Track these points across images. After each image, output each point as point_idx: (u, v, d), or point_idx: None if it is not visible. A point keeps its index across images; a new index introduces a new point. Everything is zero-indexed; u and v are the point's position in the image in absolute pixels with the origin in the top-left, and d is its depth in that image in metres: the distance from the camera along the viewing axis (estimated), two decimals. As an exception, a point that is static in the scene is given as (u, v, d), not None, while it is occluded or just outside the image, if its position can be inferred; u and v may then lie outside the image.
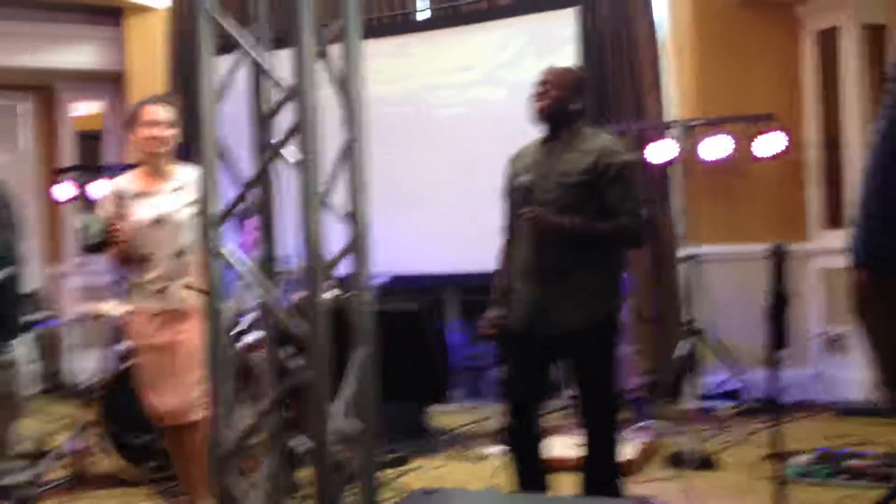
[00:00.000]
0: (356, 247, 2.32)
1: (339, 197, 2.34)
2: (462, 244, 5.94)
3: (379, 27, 7.07)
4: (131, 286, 3.69)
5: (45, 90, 8.31)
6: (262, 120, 2.40)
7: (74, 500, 4.26)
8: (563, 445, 4.05)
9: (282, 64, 2.21)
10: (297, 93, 2.08)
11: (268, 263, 2.34)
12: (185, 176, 3.54)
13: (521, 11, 6.51)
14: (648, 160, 5.81)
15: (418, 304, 7.07)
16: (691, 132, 5.86)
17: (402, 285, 6.93)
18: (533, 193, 3.22)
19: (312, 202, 2.07)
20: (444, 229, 6.58)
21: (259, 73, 2.31)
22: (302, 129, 2.08)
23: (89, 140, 8.37)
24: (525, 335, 3.25)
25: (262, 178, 2.34)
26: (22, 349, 4.16)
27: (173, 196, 3.56)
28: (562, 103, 3.27)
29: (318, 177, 2.11)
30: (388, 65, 6.79)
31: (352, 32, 2.33)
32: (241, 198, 2.29)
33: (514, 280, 3.31)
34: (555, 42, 6.19)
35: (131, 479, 4.45)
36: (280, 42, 2.23)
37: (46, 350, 7.63)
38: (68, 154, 8.20)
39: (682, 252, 5.97)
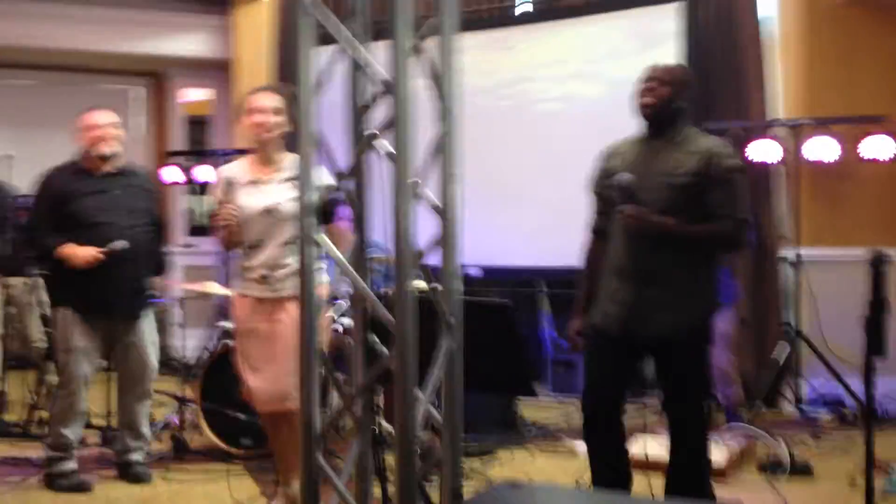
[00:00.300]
0: (445, 239, 2.36)
1: (432, 189, 2.38)
2: (556, 238, 5.93)
3: (479, 20, 7.10)
4: (238, 270, 3.77)
5: (156, 76, 8.65)
6: (359, 112, 2.45)
7: (172, 472, 4.43)
8: (651, 445, 4.02)
9: (380, 54, 2.25)
10: (391, 87, 2.12)
11: (359, 252, 2.40)
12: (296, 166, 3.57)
13: (621, 6, 6.44)
14: (752, 160, 5.68)
15: (509, 298, 7.16)
16: (797, 132, 5.70)
17: (495, 277, 6.99)
18: (633, 192, 3.17)
19: (403, 194, 2.11)
20: (537, 223, 6.58)
21: (356, 67, 2.36)
22: (395, 123, 2.12)
23: (197, 125, 8.68)
24: (615, 334, 3.23)
25: (356, 169, 2.40)
26: (150, 327, 4.37)
27: (283, 186, 3.57)
28: (668, 101, 3.22)
29: (410, 169, 2.15)
30: (487, 58, 6.81)
31: (448, 28, 2.36)
32: (335, 187, 2.35)
33: (608, 279, 3.29)
34: (656, 37, 6.11)
35: (228, 454, 4.61)
36: (379, 33, 2.28)
37: (158, 327, 7.96)
38: (177, 138, 8.51)
39: (783, 253, 5.84)
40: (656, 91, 3.22)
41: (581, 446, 4.24)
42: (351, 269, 2.26)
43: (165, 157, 7.54)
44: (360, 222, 2.38)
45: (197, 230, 8.42)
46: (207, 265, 8.06)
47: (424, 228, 2.33)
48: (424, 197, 2.38)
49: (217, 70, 8.47)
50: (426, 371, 2.28)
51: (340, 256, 2.26)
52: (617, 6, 6.48)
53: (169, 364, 7.47)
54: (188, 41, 8.16)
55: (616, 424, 3.31)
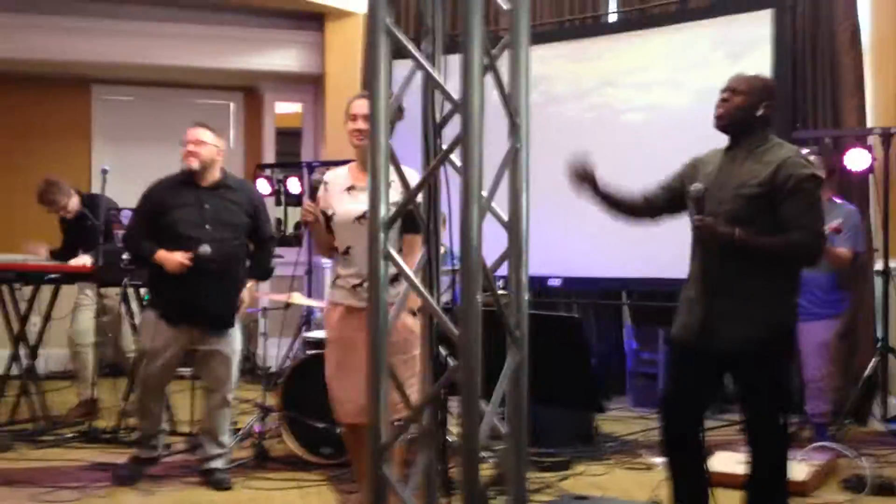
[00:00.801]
0: (513, 252, 2.37)
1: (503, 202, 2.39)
2: (639, 250, 5.87)
3: (567, 30, 7.10)
4: (333, 278, 3.76)
5: (250, 91, 8.90)
6: (434, 126, 2.48)
7: (254, 478, 4.53)
8: (730, 461, 3.93)
9: (455, 67, 2.28)
10: (460, 105, 2.15)
11: (430, 265, 2.42)
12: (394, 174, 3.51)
13: (709, 14, 6.35)
14: (846, 169, 5.52)
15: (591, 309, 7.11)
16: (888, 141, 5.52)
17: (577, 288, 6.96)
18: (705, 202, 3.15)
19: (470, 207, 2.13)
20: (621, 233, 6.47)
21: (429, 83, 2.40)
22: (465, 139, 2.14)
23: (288, 137, 8.88)
24: (693, 345, 3.20)
25: (428, 183, 2.43)
26: (234, 336, 4.51)
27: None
28: (744, 111, 3.18)
29: (480, 183, 2.16)
30: (573, 67, 6.81)
31: (520, 43, 2.37)
32: (408, 201, 2.38)
33: (687, 290, 3.27)
34: (745, 45, 6.00)
35: (307, 462, 4.69)
36: (454, 46, 2.30)
37: (243, 335, 8.16)
38: (270, 150, 8.73)
39: (877, 265, 5.66)
40: (730, 101, 3.21)
41: (659, 461, 4.19)
42: (416, 280, 2.29)
43: (257, 169, 7.73)
44: (430, 235, 2.41)
45: (285, 241, 8.60)
46: (293, 275, 8.22)
47: (498, 241, 2.36)
48: (492, 211, 2.40)
49: (308, 84, 8.68)
50: (493, 383, 2.29)
51: (407, 269, 2.29)
52: (705, 14, 6.40)
53: (253, 373, 7.66)
54: (282, 56, 8.37)
55: (695, 439, 3.26)
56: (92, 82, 8.58)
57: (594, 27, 7.22)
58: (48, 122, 8.40)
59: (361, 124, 3.56)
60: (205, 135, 4.46)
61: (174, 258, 4.29)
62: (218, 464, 4.49)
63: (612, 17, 7.24)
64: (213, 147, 4.47)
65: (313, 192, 3.72)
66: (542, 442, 4.91)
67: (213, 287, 4.36)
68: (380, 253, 2.29)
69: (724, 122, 3.22)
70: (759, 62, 5.56)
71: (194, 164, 4.38)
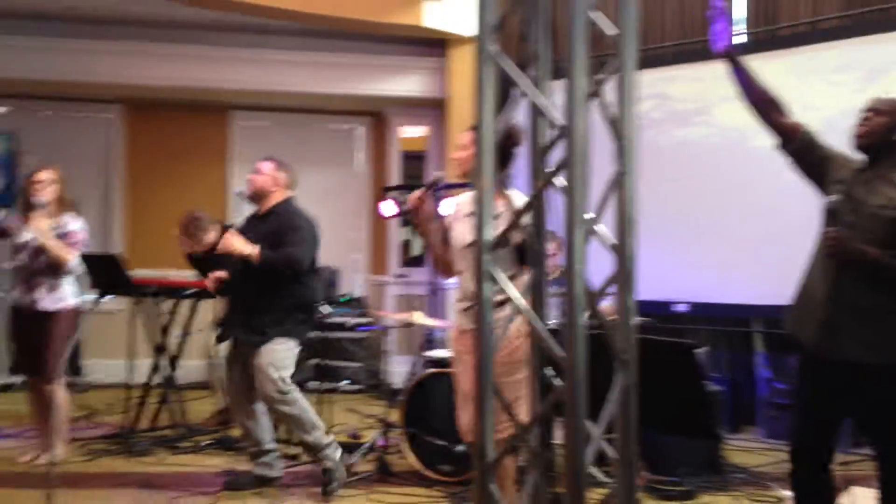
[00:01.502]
0: (621, 276, 2.38)
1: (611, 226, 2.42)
2: (772, 276, 5.71)
3: (692, 51, 7.00)
4: (454, 300, 3.87)
5: (377, 115, 9.15)
6: (539, 151, 2.53)
7: (376, 492, 4.65)
8: (865, 498, 3.78)
9: (561, 92, 2.33)
10: (566, 131, 2.19)
11: (537, 287, 2.47)
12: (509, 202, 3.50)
13: (843, 35, 6.15)
14: None
15: (721, 336, 6.94)
16: None
17: (706, 314, 6.81)
18: (838, 215, 3.08)
19: (576, 230, 2.17)
20: (752, 259, 6.39)
21: (535, 108, 2.45)
22: (569, 163, 2.18)
23: (413, 160, 9.07)
24: (816, 361, 3.13)
25: (535, 207, 2.47)
26: (268, 350, 4.62)
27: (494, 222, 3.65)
28: (885, 132, 3.12)
29: (584, 206, 2.20)
30: (700, 88, 6.72)
31: (627, 68, 2.40)
32: (513, 224, 2.44)
33: (806, 297, 3.19)
34: (880, 67, 5.80)
35: (427, 479, 4.78)
36: (560, 71, 2.35)
37: (370, 352, 8.38)
38: (396, 173, 8.95)
39: None
40: (871, 122, 3.15)
41: (789, 495, 4.06)
42: (523, 303, 2.34)
43: (383, 191, 7.93)
44: (536, 258, 2.45)
45: (410, 261, 8.78)
46: (418, 295, 8.39)
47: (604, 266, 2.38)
48: (599, 234, 2.43)
49: (432, 108, 8.84)
50: (601, 407, 2.31)
51: (514, 291, 2.34)
52: (836, 35, 6.21)
53: (379, 388, 7.85)
54: (407, 82, 8.58)
55: (825, 474, 3.17)
56: (230, 109, 9.02)
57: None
58: (189, 147, 8.87)
59: (461, 154, 3.68)
60: (264, 166, 4.77)
61: (211, 277, 4.84)
62: (325, 464, 4.65)
63: (741, 39, 7.09)
64: (269, 177, 4.74)
65: (432, 185, 3.81)
66: (664, 470, 4.84)
67: (238, 308, 4.71)
68: (484, 275, 2.35)
69: (865, 142, 3.16)
70: (894, 85, 5.35)
71: (247, 191, 4.75)
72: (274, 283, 4.58)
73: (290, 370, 4.63)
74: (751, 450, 5.88)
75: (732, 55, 3.34)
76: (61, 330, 5.01)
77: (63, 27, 7.99)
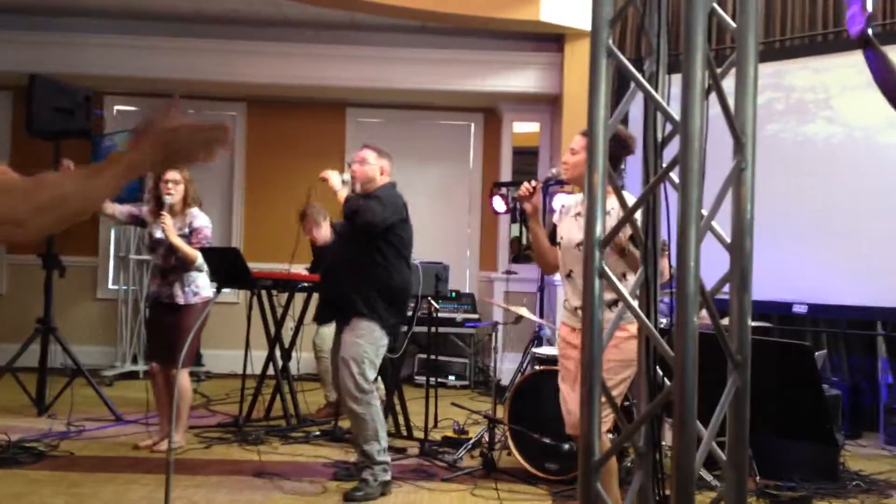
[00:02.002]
0: (735, 275, 2.31)
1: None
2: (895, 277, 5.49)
3: (818, 44, 6.77)
4: (563, 300, 3.85)
5: (490, 111, 9.15)
6: (655, 146, 2.48)
7: (482, 487, 4.66)
8: None
9: (678, 86, 2.28)
10: (680, 127, 2.14)
11: (648, 285, 2.42)
12: (615, 203, 3.39)
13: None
14: None
15: (841, 338, 6.69)
16: None
17: (825, 316, 6.57)
18: None
19: (689, 227, 2.12)
20: (875, 261, 6.13)
21: (651, 103, 2.40)
22: (683, 158, 2.13)
23: (526, 156, 9.04)
24: None
25: (648, 203, 2.43)
26: (352, 339, 4.59)
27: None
28: None
29: (699, 203, 2.14)
30: (824, 79, 6.48)
31: (747, 62, 2.33)
32: (626, 220, 2.40)
33: None
34: None
35: (533, 476, 4.76)
36: (678, 65, 2.30)
37: (477, 348, 8.41)
38: (507, 169, 8.93)
39: None
40: None
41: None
42: (632, 301, 2.30)
43: (493, 187, 7.94)
44: (648, 255, 2.40)
45: (520, 258, 8.76)
46: (526, 292, 8.36)
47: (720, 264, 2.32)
48: (714, 231, 2.36)
49: (546, 104, 8.81)
50: (712, 409, 2.25)
51: (623, 290, 2.30)
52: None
53: (486, 385, 7.86)
54: (521, 77, 8.55)
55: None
56: (347, 106, 9.19)
57: (848, 41, 6.81)
58: (306, 143, 9.08)
59: (568, 157, 3.66)
60: (369, 156, 4.76)
61: None
62: (365, 475, 4.51)
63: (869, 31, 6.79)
64: (375, 167, 4.74)
65: (547, 180, 3.81)
66: (778, 474, 4.71)
67: (329, 291, 4.79)
68: (594, 272, 2.32)
69: None
70: None
71: (356, 182, 4.71)
72: (362, 264, 4.56)
73: (374, 370, 4.55)
74: (870, 456, 5.66)
75: (868, 39, 3.18)
76: (193, 321, 5.20)
77: (189, 28, 8.31)
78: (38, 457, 4.97)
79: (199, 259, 5.25)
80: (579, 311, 3.48)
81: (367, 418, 4.47)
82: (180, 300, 5.24)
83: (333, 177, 4.69)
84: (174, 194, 5.28)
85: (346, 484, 4.62)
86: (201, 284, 5.33)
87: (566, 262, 3.70)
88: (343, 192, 4.60)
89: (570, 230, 3.68)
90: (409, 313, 5.73)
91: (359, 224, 4.51)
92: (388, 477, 4.55)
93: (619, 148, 3.55)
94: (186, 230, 5.27)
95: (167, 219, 5.17)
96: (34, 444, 5.17)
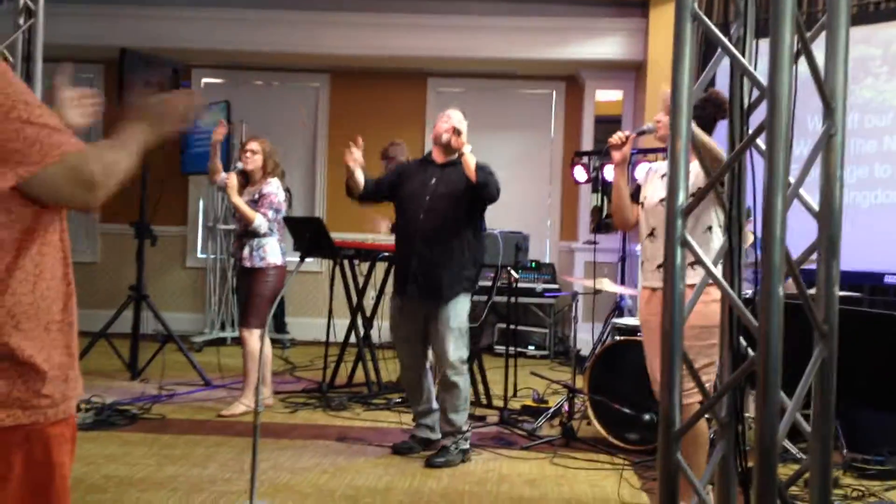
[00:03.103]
0: (824, 244, 2.26)
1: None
2: None
3: None
4: (641, 262, 3.80)
5: (572, 79, 9.05)
6: (741, 112, 2.43)
7: (561, 456, 4.67)
8: None
9: (765, 51, 2.22)
10: (767, 92, 2.09)
11: (732, 254, 2.38)
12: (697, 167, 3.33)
13: None
14: None
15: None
16: None
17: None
18: None
19: (776, 195, 2.07)
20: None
21: (738, 68, 2.34)
22: (771, 124, 2.08)
23: (608, 124, 8.92)
24: None
25: (734, 170, 2.38)
26: (455, 312, 4.55)
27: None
28: None
29: (787, 170, 2.09)
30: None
31: (839, 25, 2.26)
32: (710, 187, 2.36)
33: None
34: None
35: (613, 446, 4.75)
36: (766, 30, 2.24)
37: (557, 318, 8.38)
38: (589, 138, 8.83)
39: None
40: None
41: None
42: (714, 269, 2.26)
43: (575, 156, 7.86)
44: (733, 223, 2.36)
45: (601, 227, 8.66)
46: (607, 261, 8.29)
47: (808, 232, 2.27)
48: (802, 199, 2.31)
49: (629, 71, 8.67)
50: (797, 379, 2.21)
51: (705, 258, 2.27)
52: None
53: (567, 355, 7.84)
54: (604, 44, 8.43)
55: None
56: (428, 75, 9.20)
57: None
58: (388, 113, 9.12)
59: (661, 115, 3.58)
60: (461, 118, 4.65)
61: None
62: (446, 442, 4.57)
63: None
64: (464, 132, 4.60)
65: (641, 132, 3.74)
66: (866, 448, 4.60)
67: (422, 261, 4.50)
68: (676, 239, 2.29)
69: None
70: None
71: (454, 142, 4.54)
72: (464, 238, 4.53)
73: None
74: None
75: None
76: (262, 286, 5.34)
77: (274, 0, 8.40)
78: (131, 419, 5.16)
79: (260, 221, 5.32)
80: (662, 270, 3.43)
81: (462, 388, 4.55)
82: (247, 263, 5.39)
83: (465, 134, 4.52)
84: (251, 162, 5.43)
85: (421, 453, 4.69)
86: (269, 250, 5.42)
87: (649, 221, 3.64)
88: (471, 154, 4.47)
89: (655, 190, 3.63)
90: (490, 283, 5.77)
91: (490, 195, 4.47)
92: (468, 445, 4.60)
93: (717, 110, 3.48)
94: (256, 195, 5.41)
95: (232, 178, 5.35)
96: (128, 408, 5.37)
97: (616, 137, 3.67)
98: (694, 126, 2.96)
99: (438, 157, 4.69)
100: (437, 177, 4.62)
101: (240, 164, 5.46)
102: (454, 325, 4.50)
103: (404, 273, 4.59)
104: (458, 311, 4.53)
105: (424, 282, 4.51)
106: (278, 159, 5.57)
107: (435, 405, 4.73)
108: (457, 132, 4.49)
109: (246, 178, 5.50)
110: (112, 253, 9.07)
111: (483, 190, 4.43)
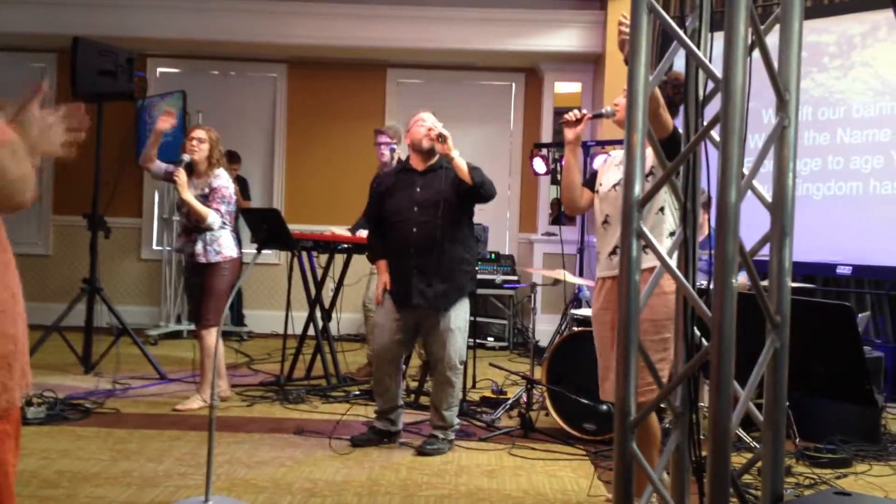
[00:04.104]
0: (776, 234, 2.28)
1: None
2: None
3: (862, 1, 6.61)
4: (596, 253, 3.75)
5: (532, 71, 9.06)
6: (696, 104, 2.44)
7: (519, 447, 4.68)
8: None
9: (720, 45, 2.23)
10: (721, 84, 2.10)
11: (687, 245, 2.39)
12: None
13: None
14: None
15: (886, 299, 6.59)
16: None
17: (871, 276, 6.47)
18: None
19: (730, 186, 2.08)
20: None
21: (693, 60, 2.36)
22: (725, 116, 2.10)
23: (566, 117, 8.95)
24: None
25: (688, 161, 2.39)
26: (457, 313, 4.56)
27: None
28: None
29: (741, 161, 2.11)
30: (864, 39, 6.33)
31: (792, 18, 2.28)
32: (665, 179, 2.37)
33: None
34: None
35: (570, 436, 4.78)
36: (722, 23, 2.25)
37: (516, 309, 8.41)
38: (548, 130, 8.86)
39: None
40: None
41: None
42: (669, 261, 2.28)
43: (534, 148, 7.88)
44: (687, 214, 2.38)
45: (560, 220, 8.71)
46: (566, 253, 8.33)
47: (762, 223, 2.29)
48: (755, 190, 2.33)
49: (588, 63, 8.71)
50: (749, 369, 2.24)
51: (661, 249, 2.28)
52: None
53: (525, 346, 7.87)
54: (563, 37, 8.46)
55: None
56: (387, 66, 9.15)
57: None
58: (346, 104, 9.07)
59: (620, 98, 3.54)
60: (434, 120, 4.61)
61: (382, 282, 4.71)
62: (437, 433, 4.62)
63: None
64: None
65: (597, 115, 3.71)
66: (820, 436, 4.68)
67: (418, 273, 4.48)
68: (632, 231, 2.31)
69: None
70: None
71: (426, 145, 4.59)
72: (462, 241, 4.55)
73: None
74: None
75: None
76: (219, 280, 5.26)
77: (229, -12, 8.30)
78: (84, 413, 5.08)
79: (213, 218, 5.23)
80: (614, 256, 3.41)
81: (456, 386, 4.62)
82: (202, 259, 5.27)
83: (451, 139, 4.45)
84: (197, 152, 5.30)
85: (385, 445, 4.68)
86: (224, 244, 5.33)
87: (603, 208, 3.57)
88: (460, 158, 4.43)
89: (610, 177, 3.58)
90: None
91: (488, 194, 4.48)
92: (454, 436, 4.68)
93: (675, 92, 3.44)
94: (206, 189, 5.29)
95: (181, 175, 5.21)
96: (81, 402, 5.28)
97: (571, 115, 3.63)
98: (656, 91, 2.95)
99: (418, 164, 4.63)
100: (420, 186, 4.57)
101: (187, 157, 5.28)
102: (455, 326, 4.54)
103: (406, 288, 4.53)
104: (460, 311, 4.58)
105: (432, 294, 4.50)
106: (220, 150, 5.45)
107: (401, 402, 4.75)
108: (442, 138, 4.44)
109: (190, 169, 5.36)
110: (65, 245, 8.93)
111: (481, 189, 4.45)
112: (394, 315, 4.60)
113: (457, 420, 4.69)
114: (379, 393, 4.73)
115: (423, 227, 4.48)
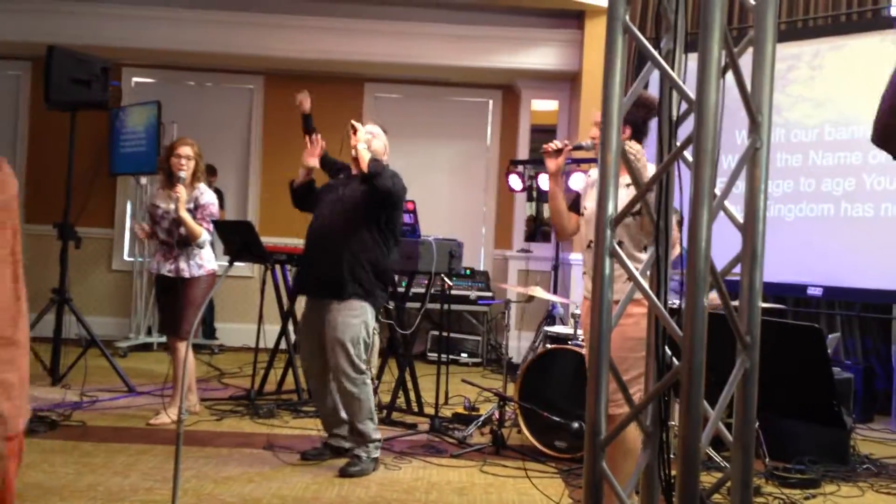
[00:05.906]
0: (747, 255, 2.29)
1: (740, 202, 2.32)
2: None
3: (842, 24, 6.70)
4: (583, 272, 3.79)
5: (509, 88, 9.10)
6: (670, 125, 2.45)
7: (491, 464, 4.67)
8: None
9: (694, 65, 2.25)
10: (694, 105, 2.11)
11: (658, 264, 2.40)
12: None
13: None
14: None
15: (856, 322, 6.66)
16: None
17: (842, 298, 6.53)
18: None
19: (702, 207, 2.09)
20: (894, 245, 6.07)
21: (667, 81, 2.37)
22: (698, 137, 2.11)
23: (544, 133, 8.99)
24: None
25: (661, 182, 2.40)
26: (343, 319, 4.47)
27: (623, 191, 3.39)
28: None
29: (713, 182, 2.12)
30: (855, 62, 6.42)
31: (765, 40, 2.29)
32: (637, 199, 2.37)
33: None
34: None
35: (542, 454, 4.77)
36: (694, 44, 2.27)
37: (490, 326, 8.40)
38: (524, 147, 8.89)
39: None
40: None
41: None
42: (641, 280, 2.28)
43: (510, 165, 7.90)
44: (660, 234, 2.38)
45: (535, 236, 8.74)
46: (540, 270, 8.35)
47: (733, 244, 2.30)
48: (727, 211, 2.34)
49: (565, 81, 8.75)
50: (720, 389, 2.24)
51: (632, 268, 2.28)
52: None
53: (498, 362, 7.86)
54: (541, 55, 8.49)
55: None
56: (365, 81, 9.15)
57: (874, 21, 6.74)
58: (323, 117, 8.98)
59: (595, 130, 3.59)
60: (380, 132, 4.78)
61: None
62: (359, 452, 4.50)
63: None
64: (384, 144, 4.77)
65: (577, 147, 3.73)
66: (789, 457, 4.71)
67: (321, 258, 4.52)
68: (605, 249, 2.31)
69: None
70: None
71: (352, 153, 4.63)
72: (360, 239, 4.49)
73: (365, 350, 4.50)
74: (881, 440, 5.65)
75: None
76: (197, 293, 5.24)
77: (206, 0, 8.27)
78: (51, 426, 5.01)
79: (205, 236, 5.28)
80: None
81: (362, 398, 4.46)
82: (185, 273, 5.28)
83: (361, 131, 4.54)
84: (187, 170, 5.30)
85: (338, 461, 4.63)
86: (206, 257, 5.37)
87: (588, 231, 3.64)
88: (365, 149, 4.48)
89: (591, 201, 3.62)
90: (423, 290, 5.75)
91: (380, 187, 4.40)
92: (378, 454, 4.55)
93: (646, 112, 3.49)
94: (192, 205, 5.28)
95: (182, 192, 5.20)
96: (47, 414, 5.20)
97: (552, 145, 3.66)
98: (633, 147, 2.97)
99: (354, 169, 4.64)
100: (344, 190, 4.66)
101: (182, 174, 5.25)
102: (343, 336, 4.40)
103: (308, 271, 4.66)
104: (350, 320, 4.43)
105: (321, 285, 4.51)
106: (203, 164, 5.47)
107: (343, 415, 4.63)
108: (353, 129, 4.52)
109: (170, 181, 5.34)
110: (34, 254, 8.80)
111: (375, 180, 4.40)
112: (306, 315, 4.64)
113: (377, 434, 4.53)
114: (317, 409, 4.76)
115: (328, 227, 4.56)
